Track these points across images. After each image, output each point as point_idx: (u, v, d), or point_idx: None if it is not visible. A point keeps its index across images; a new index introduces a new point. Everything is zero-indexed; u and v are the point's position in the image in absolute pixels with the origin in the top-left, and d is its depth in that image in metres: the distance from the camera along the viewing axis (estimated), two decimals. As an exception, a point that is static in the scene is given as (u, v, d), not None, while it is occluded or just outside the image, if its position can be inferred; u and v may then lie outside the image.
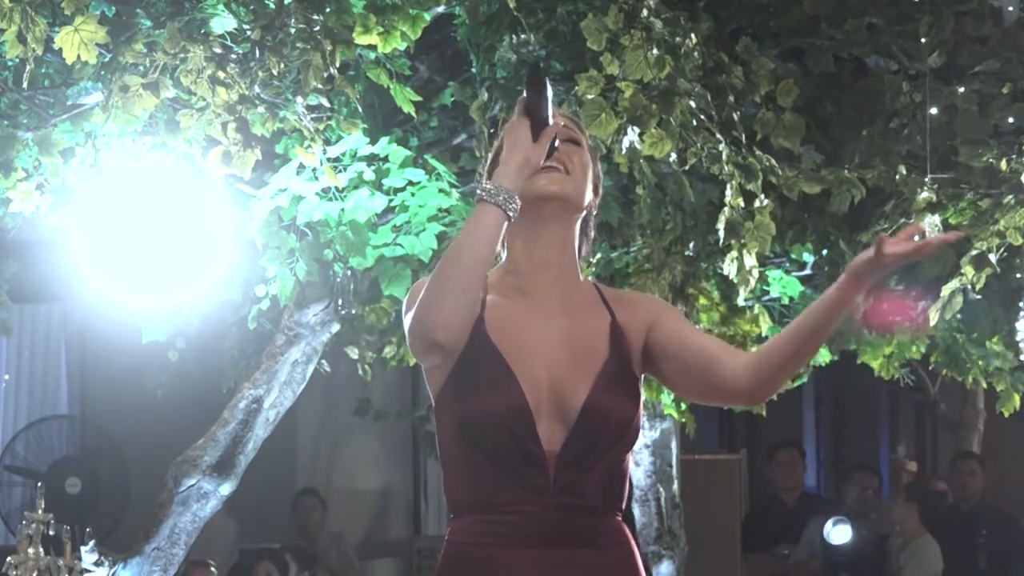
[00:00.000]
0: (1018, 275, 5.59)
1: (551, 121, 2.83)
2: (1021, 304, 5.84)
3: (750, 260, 4.87)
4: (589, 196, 2.96)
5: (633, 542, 2.92)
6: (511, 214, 2.79)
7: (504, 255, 2.97)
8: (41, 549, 5.14)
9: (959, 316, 5.62)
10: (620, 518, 2.91)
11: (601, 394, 2.84)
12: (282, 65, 4.48)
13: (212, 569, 7.16)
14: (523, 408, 2.81)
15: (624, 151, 4.67)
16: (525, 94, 2.82)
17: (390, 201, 5.06)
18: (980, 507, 8.82)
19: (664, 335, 2.92)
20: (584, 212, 2.97)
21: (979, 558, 8.58)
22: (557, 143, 2.85)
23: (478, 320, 2.86)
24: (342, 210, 4.96)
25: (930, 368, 7.04)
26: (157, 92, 4.45)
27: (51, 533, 5.18)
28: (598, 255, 5.62)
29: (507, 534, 2.81)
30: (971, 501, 8.81)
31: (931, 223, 5.19)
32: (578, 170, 2.92)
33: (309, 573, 8.52)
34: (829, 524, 8.26)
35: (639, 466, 6.61)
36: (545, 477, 2.81)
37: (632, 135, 4.64)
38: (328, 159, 4.93)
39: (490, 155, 3.01)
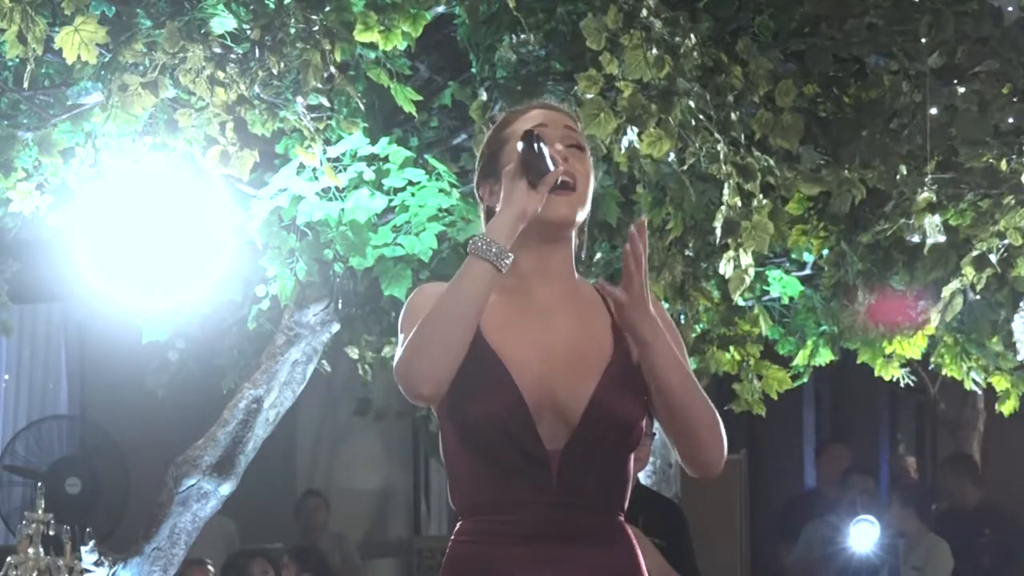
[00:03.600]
0: (1015, 274, 5.58)
1: (551, 167, 2.84)
2: (1022, 304, 5.83)
3: (746, 259, 4.87)
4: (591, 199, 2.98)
5: (636, 542, 2.92)
6: (503, 269, 2.81)
7: None
8: (41, 549, 5.15)
9: (959, 316, 5.62)
10: (623, 518, 2.91)
11: (605, 393, 2.85)
12: (282, 64, 4.48)
13: (209, 568, 7.16)
14: (521, 408, 2.81)
15: (623, 151, 4.67)
16: (521, 152, 2.84)
17: (390, 201, 5.06)
18: (983, 507, 8.81)
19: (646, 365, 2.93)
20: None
21: (983, 558, 8.58)
22: (560, 170, 2.86)
23: None
24: (342, 210, 4.96)
25: (930, 368, 7.03)
26: (156, 91, 4.45)
27: (51, 533, 5.18)
28: (598, 255, 5.62)
29: (510, 533, 2.81)
30: (973, 505, 8.80)
31: (931, 223, 5.19)
32: (583, 182, 2.92)
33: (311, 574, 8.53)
34: (852, 523, 8.25)
35: (639, 466, 6.61)
36: (547, 476, 2.81)
37: (631, 135, 4.64)
38: (328, 159, 4.93)
39: (481, 155, 3.02)
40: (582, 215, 2.93)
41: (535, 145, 2.82)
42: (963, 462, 9.29)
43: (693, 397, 2.87)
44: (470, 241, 2.84)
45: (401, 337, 2.88)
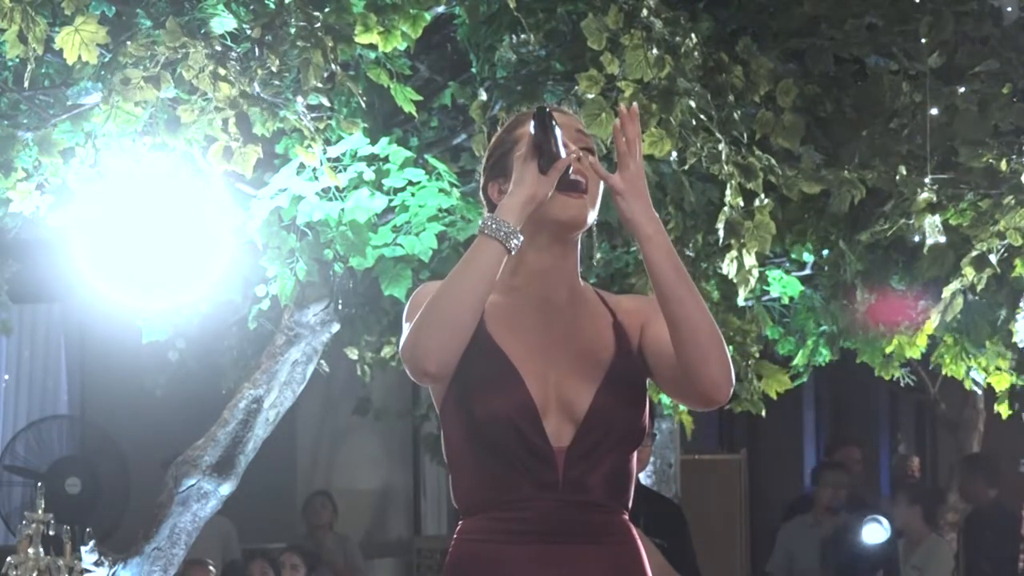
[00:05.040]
0: (1014, 275, 5.58)
1: (563, 153, 2.83)
2: (1022, 304, 5.83)
3: (750, 260, 4.87)
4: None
5: (640, 542, 2.93)
6: (512, 250, 2.81)
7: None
8: (41, 549, 5.14)
9: (958, 316, 5.62)
10: (627, 517, 2.92)
11: (608, 392, 2.86)
12: (283, 64, 4.48)
13: (211, 568, 7.17)
14: (529, 406, 2.83)
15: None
16: (532, 133, 2.83)
17: (390, 201, 5.06)
18: (985, 507, 8.81)
19: (649, 337, 2.93)
20: None
21: (985, 557, 8.59)
22: (575, 156, 2.86)
23: (480, 322, 2.87)
24: (342, 210, 4.96)
25: (930, 368, 7.03)
26: (158, 85, 4.44)
27: (51, 533, 5.18)
28: (598, 255, 5.62)
29: (515, 530, 2.82)
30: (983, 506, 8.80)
31: (931, 223, 5.19)
32: (594, 184, 2.92)
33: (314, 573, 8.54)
34: (864, 522, 8.26)
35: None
36: (554, 473, 2.82)
37: (632, 135, 4.63)
38: (328, 159, 4.92)
39: (489, 155, 3.01)
40: (592, 217, 2.93)
41: (547, 123, 2.81)
42: (977, 462, 9.28)
43: (692, 299, 2.81)
44: (480, 222, 2.84)
45: (406, 327, 2.88)
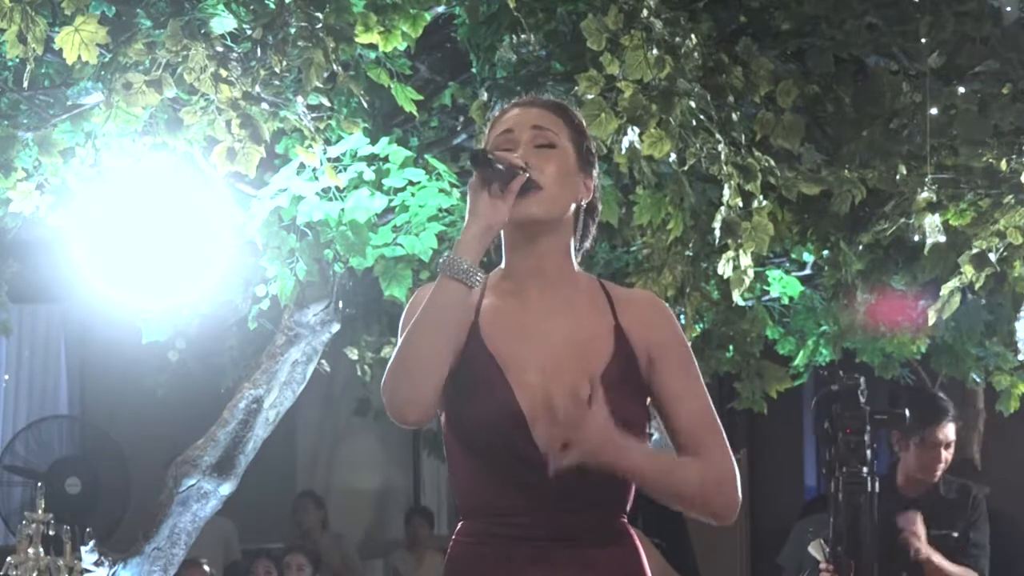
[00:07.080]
0: (1015, 275, 5.58)
1: (514, 173, 2.83)
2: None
3: (746, 260, 4.87)
4: (576, 194, 2.93)
5: (639, 543, 2.92)
6: (474, 285, 2.81)
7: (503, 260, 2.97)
8: (41, 549, 5.15)
9: (955, 317, 5.63)
10: (625, 519, 2.91)
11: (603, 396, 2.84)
12: (284, 63, 4.48)
13: (205, 567, 7.17)
14: (516, 413, 2.81)
15: (624, 151, 4.67)
16: (476, 171, 2.84)
17: (390, 201, 5.06)
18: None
19: (657, 383, 2.91)
20: (573, 209, 2.95)
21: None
22: (528, 174, 2.85)
23: (473, 326, 2.87)
24: (342, 210, 4.96)
25: (931, 368, 7.04)
26: (160, 89, 4.45)
27: (51, 533, 5.18)
28: (598, 255, 5.62)
29: (509, 535, 2.82)
30: None
31: (931, 223, 5.19)
32: (551, 181, 2.88)
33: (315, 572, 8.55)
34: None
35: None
36: (544, 479, 2.79)
37: (632, 135, 4.63)
38: (328, 159, 4.92)
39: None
40: (550, 210, 2.89)
41: (485, 162, 2.82)
42: (964, 464, 9.27)
43: (682, 480, 2.91)
44: (439, 262, 2.85)
45: (401, 337, 2.88)
